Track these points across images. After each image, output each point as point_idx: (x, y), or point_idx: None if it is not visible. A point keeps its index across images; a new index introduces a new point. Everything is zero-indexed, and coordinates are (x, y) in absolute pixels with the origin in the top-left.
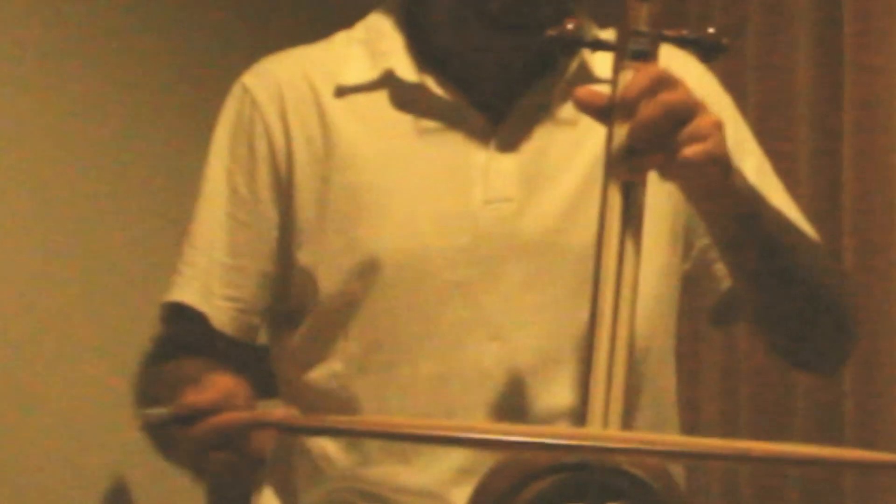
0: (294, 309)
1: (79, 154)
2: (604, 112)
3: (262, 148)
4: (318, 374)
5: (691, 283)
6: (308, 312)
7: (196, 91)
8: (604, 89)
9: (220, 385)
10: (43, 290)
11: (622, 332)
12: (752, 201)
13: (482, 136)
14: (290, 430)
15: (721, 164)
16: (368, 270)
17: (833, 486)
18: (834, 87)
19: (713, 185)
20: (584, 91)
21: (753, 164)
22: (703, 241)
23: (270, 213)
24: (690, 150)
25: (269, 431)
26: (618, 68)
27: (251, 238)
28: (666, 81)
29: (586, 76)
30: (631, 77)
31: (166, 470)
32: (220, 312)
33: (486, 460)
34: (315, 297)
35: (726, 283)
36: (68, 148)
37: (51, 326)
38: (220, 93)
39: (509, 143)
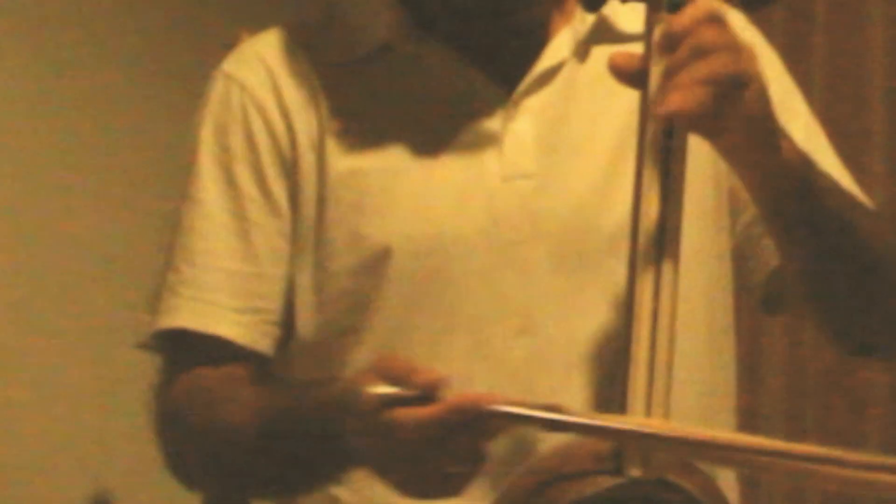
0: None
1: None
2: (640, 76)
3: (261, 137)
4: None
5: (736, 263)
6: (308, 325)
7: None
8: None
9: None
10: (24, 299)
11: (664, 323)
12: (803, 170)
13: (493, 105)
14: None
15: (763, 125)
16: (378, 264)
17: None
18: None
19: (757, 149)
20: (619, 55)
21: (801, 126)
22: (747, 214)
23: (284, 211)
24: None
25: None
26: (651, 22)
27: (268, 240)
28: (716, 19)
29: (608, 32)
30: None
31: (149, 482)
32: (243, 329)
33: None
34: (317, 307)
35: (774, 261)
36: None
37: (34, 337)
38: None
39: (524, 112)
